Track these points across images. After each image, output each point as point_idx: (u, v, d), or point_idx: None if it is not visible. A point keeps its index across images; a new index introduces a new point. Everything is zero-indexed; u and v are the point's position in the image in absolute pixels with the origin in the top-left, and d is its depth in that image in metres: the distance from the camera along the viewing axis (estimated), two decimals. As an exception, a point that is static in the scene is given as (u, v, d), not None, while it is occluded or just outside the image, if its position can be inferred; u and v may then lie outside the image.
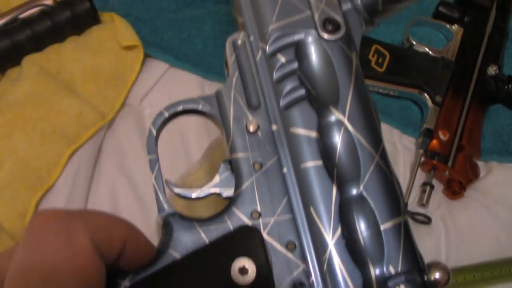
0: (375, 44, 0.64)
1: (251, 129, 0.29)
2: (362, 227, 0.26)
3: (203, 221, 0.28)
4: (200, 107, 0.31)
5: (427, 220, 0.58)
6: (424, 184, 0.60)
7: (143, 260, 0.26)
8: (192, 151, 0.60)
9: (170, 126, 0.60)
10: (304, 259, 0.26)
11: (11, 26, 0.62)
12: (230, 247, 0.27)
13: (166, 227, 0.28)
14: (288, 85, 0.29)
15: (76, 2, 0.63)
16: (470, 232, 0.58)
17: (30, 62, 0.62)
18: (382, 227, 0.26)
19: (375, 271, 0.25)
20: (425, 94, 0.62)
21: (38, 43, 0.63)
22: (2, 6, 0.66)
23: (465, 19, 0.67)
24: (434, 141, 0.60)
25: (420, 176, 0.61)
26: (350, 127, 0.28)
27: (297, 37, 0.29)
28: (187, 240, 0.27)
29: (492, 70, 0.64)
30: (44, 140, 0.57)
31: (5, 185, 0.54)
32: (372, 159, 0.27)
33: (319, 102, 0.29)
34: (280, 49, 0.29)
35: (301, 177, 0.28)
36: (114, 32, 0.64)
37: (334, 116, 0.28)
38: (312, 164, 0.28)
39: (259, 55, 0.30)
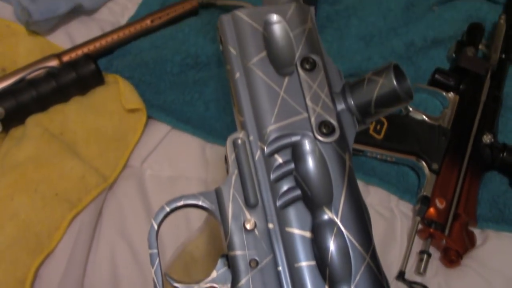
0: (373, 111, 0.65)
1: (249, 227, 0.30)
2: None
3: None
4: (200, 203, 0.32)
5: (424, 290, 0.58)
6: (422, 252, 0.60)
7: None
8: (192, 214, 0.60)
9: (171, 188, 0.61)
10: None
11: (17, 86, 0.63)
12: None
13: None
14: (285, 185, 0.30)
15: (81, 64, 0.65)
16: (467, 302, 0.58)
17: (34, 122, 0.63)
18: None
19: None
20: (422, 162, 0.64)
21: (42, 104, 0.64)
22: (9, 66, 0.67)
23: (461, 87, 0.69)
24: (431, 209, 0.61)
25: (418, 243, 0.61)
26: (342, 228, 0.29)
27: (294, 139, 0.31)
28: None
29: (487, 138, 0.65)
30: (46, 203, 0.57)
31: (5, 249, 0.54)
32: (363, 260, 0.28)
33: (313, 203, 0.30)
34: (278, 150, 0.31)
35: (295, 275, 0.29)
36: (118, 94, 0.65)
37: (327, 216, 0.29)
38: (305, 264, 0.29)
39: (257, 155, 0.31)
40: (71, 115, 0.64)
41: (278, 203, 0.30)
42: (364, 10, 0.75)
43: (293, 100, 0.31)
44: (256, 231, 0.30)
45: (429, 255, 0.60)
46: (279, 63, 0.32)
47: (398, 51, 0.72)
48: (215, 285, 0.31)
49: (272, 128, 0.31)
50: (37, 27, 0.68)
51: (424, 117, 0.67)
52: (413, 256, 0.61)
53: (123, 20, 0.74)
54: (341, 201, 0.29)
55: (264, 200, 0.31)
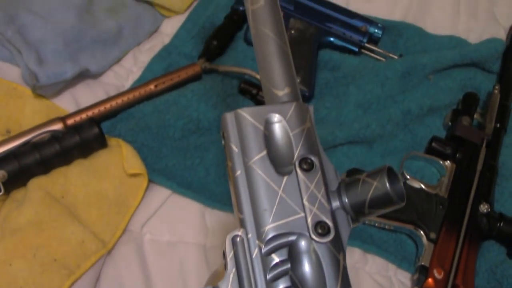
0: (371, 179, 0.66)
1: None
2: None
3: None
4: None
5: None
6: (421, 325, 0.60)
7: None
8: (190, 281, 0.60)
9: (170, 254, 0.61)
10: None
11: (21, 149, 0.64)
12: None
13: None
14: (281, 285, 0.31)
15: (85, 127, 0.66)
16: None
17: (36, 185, 0.63)
18: None
19: None
20: (420, 231, 0.64)
21: (45, 167, 0.65)
22: (14, 127, 0.69)
23: (457, 155, 0.71)
24: (430, 280, 0.61)
25: (416, 315, 0.61)
26: None
27: (290, 238, 0.31)
28: None
29: (484, 208, 0.66)
30: (44, 269, 0.57)
31: (1, 317, 0.54)
32: None
33: None
34: (275, 249, 0.31)
35: None
36: (120, 158, 0.66)
37: None
38: None
39: (255, 253, 0.32)
40: (73, 179, 0.65)
41: None
42: (362, 78, 0.77)
43: (291, 200, 0.32)
44: None
45: (428, 328, 0.59)
46: (278, 163, 0.33)
47: (395, 119, 0.73)
48: None
49: (270, 227, 0.31)
50: (43, 91, 0.70)
51: (422, 185, 0.67)
52: (411, 328, 0.60)
53: (128, 84, 0.76)
54: None
55: None
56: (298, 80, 0.75)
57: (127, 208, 0.64)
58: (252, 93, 0.75)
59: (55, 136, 0.65)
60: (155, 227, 0.64)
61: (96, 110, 0.70)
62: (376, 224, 0.66)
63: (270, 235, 0.31)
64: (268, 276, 0.31)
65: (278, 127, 0.34)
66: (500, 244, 0.67)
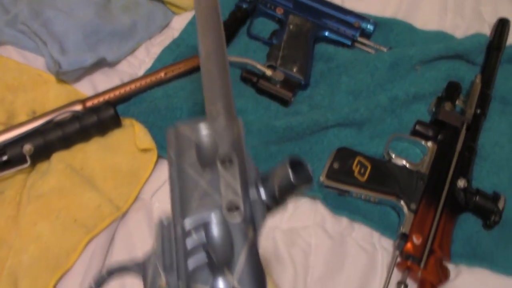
0: (358, 156, 0.74)
1: (162, 285, 0.38)
2: None
3: None
4: (132, 270, 0.40)
5: (401, 317, 0.64)
6: (399, 283, 0.66)
7: None
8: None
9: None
10: None
11: (45, 127, 0.72)
12: None
13: None
14: (195, 252, 0.38)
15: (102, 109, 0.74)
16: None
17: (58, 158, 0.71)
18: None
19: None
20: (402, 202, 0.71)
21: (67, 142, 0.73)
22: (39, 109, 0.77)
23: (439, 137, 0.77)
24: (409, 244, 0.68)
25: (397, 275, 0.68)
26: (236, 285, 0.36)
27: (207, 218, 0.38)
28: None
29: (461, 183, 0.73)
30: (65, 228, 0.65)
31: (28, 267, 0.62)
32: None
33: (216, 267, 0.37)
34: (193, 227, 0.38)
35: None
36: (133, 135, 0.74)
37: (226, 277, 0.36)
38: None
39: (178, 231, 0.39)
40: (91, 153, 0.73)
41: (188, 267, 0.37)
42: (353, 68, 0.84)
43: (210, 190, 0.39)
44: None
45: (406, 286, 0.66)
46: (204, 162, 0.40)
47: (383, 104, 0.80)
48: None
49: (190, 210, 0.38)
50: (65, 76, 0.78)
51: (405, 162, 0.74)
52: (392, 287, 0.67)
53: (140, 72, 0.84)
54: (239, 265, 0.36)
55: (179, 264, 0.38)
56: (295, 70, 0.82)
57: (139, 179, 0.71)
58: (253, 81, 0.82)
59: (75, 116, 0.74)
60: (163, 196, 0.72)
61: (112, 94, 0.78)
62: (363, 197, 0.73)
63: (190, 217, 0.38)
64: (186, 248, 0.37)
65: (205, 134, 0.40)
66: (476, 216, 0.73)
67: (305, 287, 0.66)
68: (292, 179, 0.38)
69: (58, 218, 0.66)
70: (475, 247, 0.70)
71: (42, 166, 0.72)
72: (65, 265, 0.62)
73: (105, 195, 0.69)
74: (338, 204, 0.73)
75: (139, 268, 0.39)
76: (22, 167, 0.70)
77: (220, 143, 0.40)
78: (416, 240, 0.68)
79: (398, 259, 0.68)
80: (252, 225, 0.38)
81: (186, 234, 0.38)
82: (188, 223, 0.38)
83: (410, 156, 0.77)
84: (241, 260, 0.36)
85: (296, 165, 0.39)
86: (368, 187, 0.72)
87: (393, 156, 0.75)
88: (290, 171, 0.39)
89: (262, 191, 0.40)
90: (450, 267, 0.69)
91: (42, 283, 0.61)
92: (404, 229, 0.69)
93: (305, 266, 0.68)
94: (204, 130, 0.40)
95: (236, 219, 0.37)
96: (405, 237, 0.68)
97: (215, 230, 0.37)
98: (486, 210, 0.72)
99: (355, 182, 0.72)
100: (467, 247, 0.70)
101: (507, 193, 0.73)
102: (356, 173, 0.72)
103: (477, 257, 0.69)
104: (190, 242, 0.37)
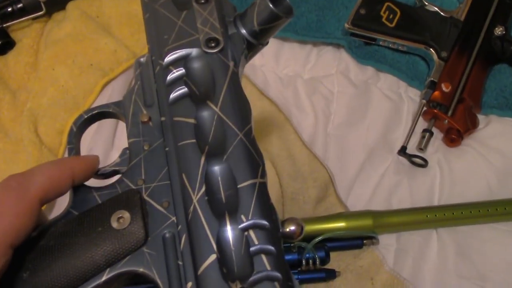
0: (387, 2, 0.69)
1: (144, 119, 0.36)
2: (221, 186, 0.32)
3: (99, 188, 0.35)
4: (111, 110, 0.39)
5: (423, 163, 0.62)
6: (424, 131, 0.64)
7: (92, 173, 0.35)
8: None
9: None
10: (175, 213, 0.33)
11: (58, -27, 0.70)
12: (113, 203, 0.33)
13: (72, 193, 0.35)
14: (176, 86, 0.36)
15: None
16: (464, 176, 0.62)
17: (74, 6, 0.69)
18: (239, 186, 0.32)
19: (230, 220, 0.31)
20: (431, 50, 0.67)
21: (81, -10, 0.70)
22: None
23: (478, -17, 0.71)
24: (437, 92, 0.65)
25: (422, 124, 0.65)
26: (221, 115, 0.34)
27: (185, 52, 0.37)
28: (85, 202, 0.34)
29: (498, 30, 0.68)
30: (82, 71, 0.64)
31: (47, 108, 0.62)
32: (236, 136, 0.34)
33: (198, 98, 0.35)
34: (173, 62, 0.37)
35: (179, 152, 0.34)
36: (149, -17, 0.71)
37: (209, 107, 0.35)
38: (187, 142, 0.34)
39: (157, 68, 0.37)
40: (107, 1, 0.70)
41: (170, 100, 0.36)
42: None
43: (187, 27, 0.37)
44: (151, 123, 0.36)
45: (431, 134, 0.64)
46: (178, 2, 0.39)
47: None
48: (117, 168, 0.36)
49: (168, 47, 0.37)
50: None
51: (438, 10, 0.69)
52: (416, 136, 0.65)
53: None
54: (221, 96, 0.35)
55: (160, 100, 0.37)
56: None
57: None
58: None
59: (89, -38, 0.70)
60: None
61: None
62: (390, 45, 0.69)
63: (168, 53, 0.37)
64: (166, 82, 0.36)
65: None
66: (512, 67, 0.69)
67: (326, 133, 0.65)
68: (271, 8, 0.37)
69: (75, 62, 0.65)
70: (508, 98, 0.66)
71: (58, 15, 0.71)
72: (82, 106, 0.62)
73: (121, 41, 0.67)
74: (364, 53, 0.69)
75: (120, 107, 0.38)
76: (37, 14, 0.69)
77: None
78: (445, 88, 0.65)
79: (425, 108, 0.65)
80: (233, 58, 0.37)
81: (165, 70, 0.37)
82: (167, 58, 0.37)
83: (445, 4, 0.72)
84: (223, 91, 0.35)
85: None
86: (396, 34, 0.68)
87: (426, 3, 0.70)
88: (269, 2, 0.37)
89: (240, 25, 0.39)
90: (480, 117, 0.66)
91: (61, 122, 0.61)
92: (433, 77, 0.66)
93: (327, 113, 0.66)
94: None
95: (214, 50, 0.36)
96: (433, 85, 0.65)
97: (195, 63, 0.36)
98: (524, 60, 0.67)
99: (382, 28, 0.68)
100: (499, 97, 0.67)
101: (548, 42, 0.67)
102: (384, 19, 0.68)
103: (510, 108, 0.66)
104: (170, 77, 0.36)
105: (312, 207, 0.60)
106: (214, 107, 0.34)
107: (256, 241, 0.30)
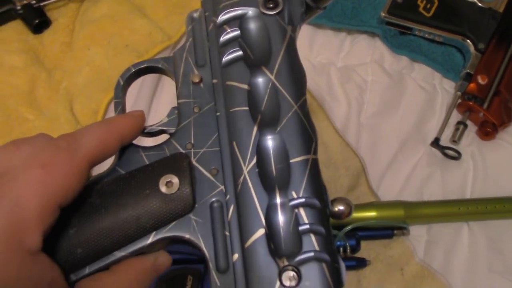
0: (425, -9, 0.68)
1: (195, 80, 0.35)
2: (273, 159, 0.31)
3: (147, 148, 0.34)
4: (160, 65, 0.37)
5: (457, 155, 0.62)
6: (458, 123, 0.63)
7: (139, 131, 0.34)
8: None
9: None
10: (223, 182, 0.32)
11: (95, -46, 0.70)
12: (162, 166, 0.33)
13: (120, 151, 0.34)
14: (230, 48, 0.35)
15: None
16: (497, 170, 0.62)
17: (109, -13, 0.69)
18: (291, 161, 0.31)
19: (280, 195, 0.30)
20: (468, 41, 0.66)
21: (117, -29, 0.70)
22: None
23: (519, -25, 0.70)
24: (472, 85, 0.64)
25: (456, 117, 0.64)
26: (276, 83, 0.33)
27: (241, 12, 0.35)
28: (132, 161, 0.34)
29: (538, 21, 0.66)
30: (117, 52, 0.64)
31: (83, 88, 0.63)
32: (291, 108, 0.32)
33: (253, 63, 0.34)
34: (227, 21, 0.35)
35: (230, 118, 0.33)
36: (185, -35, 0.70)
37: (264, 74, 0.33)
38: (239, 109, 0.33)
39: (211, 26, 0.36)
40: (142, -16, 0.70)
41: (223, 62, 0.35)
42: None
43: None
44: (202, 85, 0.35)
45: (466, 126, 0.63)
46: None
47: None
48: (164, 128, 0.35)
49: (224, 4, 0.35)
50: None
51: (476, 1, 0.68)
52: (450, 128, 0.64)
53: None
54: (278, 62, 0.33)
55: (212, 61, 0.35)
56: None
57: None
58: None
59: None
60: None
61: None
62: (426, 35, 0.68)
63: (223, 11, 0.35)
64: (220, 42, 0.35)
65: None
66: (551, 61, 0.67)
67: (359, 122, 0.64)
68: None
69: (110, 43, 0.65)
70: (546, 90, 0.65)
71: (94, -4, 0.71)
72: (117, 86, 0.62)
73: (156, 23, 0.67)
74: (399, 42, 0.68)
75: (169, 64, 0.37)
76: (73, -7, 0.69)
77: None
78: (481, 80, 0.64)
79: (459, 100, 0.64)
80: (291, 22, 0.36)
81: (219, 28, 0.35)
82: (221, 16, 0.35)
83: (484, -6, 0.71)
84: (279, 57, 0.34)
85: None
86: (433, 24, 0.67)
87: (464, -6, 0.69)
88: None
89: None
90: (516, 111, 0.65)
91: (96, 102, 0.61)
92: (469, 69, 0.65)
93: (360, 102, 0.65)
94: None
95: (273, 12, 0.35)
96: (469, 77, 0.64)
97: (252, 24, 0.35)
98: None
99: (419, 18, 0.67)
100: (537, 89, 0.66)
101: None
102: (421, 8, 0.67)
103: (547, 102, 0.65)
104: (224, 38, 0.35)
105: (344, 195, 0.60)
106: (269, 74, 0.33)
107: (306, 219, 0.30)
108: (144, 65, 0.38)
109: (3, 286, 0.25)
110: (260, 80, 0.33)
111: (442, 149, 0.62)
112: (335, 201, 0.32)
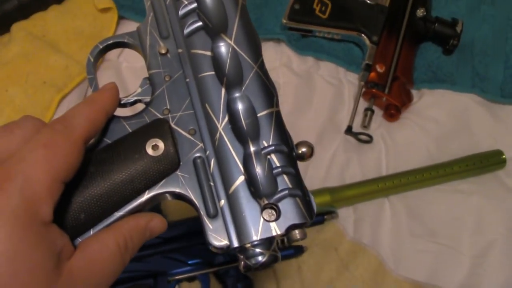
0: (318, -5, 0.74)
1: (162, 51, 0.39)
2: (242, 116, 0.36)
3: (127, 118, 0.38)
4: (126, 40, 0.41)
5: (369, 139, 0.68)
6: (366, 109, 0.70)
7: (117, 103, 0.37)
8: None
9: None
10: (202, 140, 0.36)
11: (-1, -3, 0.71)
12: (146, 132, 0.37)
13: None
14: (190, 19, 0.39)
15: (56, -25, 0.72)
16: (406, 146, 0.68)
17: (18, 28, 0.71)
18: (258, 115, 0.36)
19: (253, 145, 0.36)
20: (363, 35, 0.73)
21: (24, 12, 0.71)
22: (-10, -18, 0.75)
23: (397, -29, 0.77)
24: (373, 74, 0.70)
25: (363, 104, 0.71)
26: (235, 47, 0.38)
27: None
28: (116, 131, 0.37)
29: (420, 12, 0.74)
30: (36, 90, 0.66)
31: (6, 129, 0.63)
32: (251, 69, 0.38)
33: (213, 31, 0.39)
34: None
35: (199, 83, 0.38)
36: (90, -2, 0.73)
37: (224, 40, 0.38)
38: (206, 74, 0.38)
39: (168, 0, 0.40)
40: (51, 20, 0.72)
41: (185, 33, 0.39)
42: None
43: None
44: (169, 55, 0.39)
45: (372, 111, 0.69)
46: None
47: None
48: (139, 98, 0.39)
49: None
50: None
51: (365, -1, 0.75)
52: (359, 115, 0.70)
53: None
54: (234, 28, 0.38)
55: (175, 32, 0.39)
56: None
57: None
58: None
59: (29, -16, 0.72)
60: (130, 56, 0.72)
61: (62, -41, 0.75)
62: (326, 35, 0.74)
63: None
64: (180, 14, 0.39)
65: None
66: (437, 44, 0.75)
67: (277, 122, 0.69)
68: None
69: (27, 82, 0.66)
70: (435, 72, 0.73)
71: (4, 38, 0.72)
72: (41, 122, 0.64)
73: (71, 56, 0.69)
74: (303, 44, 0.74)
75: (134, 38, 0.40)
76: (-18, 39, 0.70)
77: None
78: (380, 69, 0.71)
79: (364, 89, 0.71)
80: None
81: (177, 2, 0.39)
82: None
83: (370, -8, 0.78)
84: (235, 23, 0.38)
85: None
86: (330, 25, 0.73)
87: (353, -5, 0.76)
88: None
89: None
90: (414, 92, 0.72)
91: (22, 140, 0.62)
92: (368, 60, 0.71)
93: (275, 103, 0.70)
94: None
95: None
96: (369, 68, 0.71)
97: None
98: (445, 36, 0.73)
99: (317, 20, 0.73)
100: (428, 72, 0.73)
101: (465, 19, 0.74)
102: (317, 12, 0.73)
103: (438, 80, 0.72)
104: (182, 11, 0.39)
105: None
106: (228, 40, 0.38)
107: (277, 163, 0.35)
108: (111, 41, 0.41)
109: (23, 254, 0.28)
110: (221, 46, 0.38)
111: (355, 135, 0.68)
112: (299, 144, 0.37)
